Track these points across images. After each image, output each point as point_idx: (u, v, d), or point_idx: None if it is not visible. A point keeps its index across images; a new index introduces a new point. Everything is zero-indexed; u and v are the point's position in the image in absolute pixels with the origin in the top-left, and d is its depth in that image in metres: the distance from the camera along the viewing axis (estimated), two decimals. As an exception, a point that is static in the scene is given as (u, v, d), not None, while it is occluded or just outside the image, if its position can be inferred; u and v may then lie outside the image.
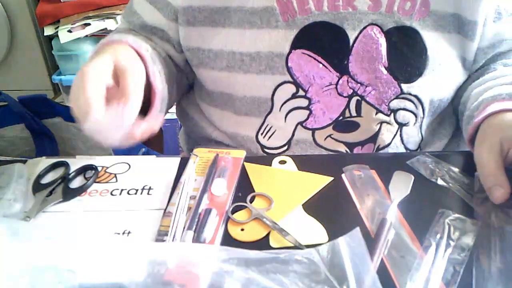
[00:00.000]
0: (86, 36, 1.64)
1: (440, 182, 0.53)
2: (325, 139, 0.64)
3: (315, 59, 0.60)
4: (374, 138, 0.64)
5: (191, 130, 0.77)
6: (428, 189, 0.52)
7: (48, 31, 1.69)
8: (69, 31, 1.63)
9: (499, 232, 0.46)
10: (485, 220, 0.47)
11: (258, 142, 0.66)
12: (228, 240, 0.46)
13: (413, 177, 0.53)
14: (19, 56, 1.78)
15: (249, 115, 0.65)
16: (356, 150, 0.65)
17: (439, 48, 0.61)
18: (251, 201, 0.51)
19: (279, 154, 0.64)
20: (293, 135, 0.64)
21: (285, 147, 0.65)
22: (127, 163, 0.58)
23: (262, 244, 0.45)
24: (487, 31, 0.63)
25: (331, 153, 0.65)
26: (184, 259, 0.41)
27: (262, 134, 0.65)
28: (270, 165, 0.58)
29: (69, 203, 0.52)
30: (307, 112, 0.63)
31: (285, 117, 0.63)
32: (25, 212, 0.49)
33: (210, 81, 0.67)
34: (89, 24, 1.65)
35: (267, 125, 0.65)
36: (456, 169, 0.55)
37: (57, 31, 1.65)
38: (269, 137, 0.65)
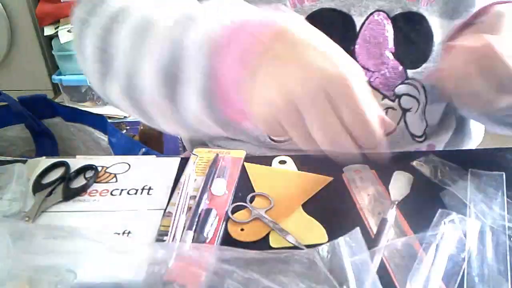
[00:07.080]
0: (86, 36, 1.63)
1: (440, 183, 0.53)
2: None
3: None
4: None
5: None
6: (428, 189, 0.52)
7: (48, 31, 1.69)
8: (69, 31, 1.63)
9: (498, 232, 0.46)
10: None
11: None
12: (228, 240, 0.46)
13: (413, 177, 0.53)
14: (19, 56, 1.77)
15: None
16: None
17: (444, 34, 0.61)
18: (251, 201, 0.51)
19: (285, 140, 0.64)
20: None
21: None
22: (127, 163, 0.58)
23: (262, 244, 0.45)
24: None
25: None
26: (184, 259, 0.41)
27: None
28: (270, 165, 0.58)
29: (69, 203, 0.52)
30: None
31: None
32: (25, 212, 0.49)
33: None
34: (89, 24, 1.65)
35: None
36: (456, 169, 0.55)
37: (57, 31, 1.65)
38: None
